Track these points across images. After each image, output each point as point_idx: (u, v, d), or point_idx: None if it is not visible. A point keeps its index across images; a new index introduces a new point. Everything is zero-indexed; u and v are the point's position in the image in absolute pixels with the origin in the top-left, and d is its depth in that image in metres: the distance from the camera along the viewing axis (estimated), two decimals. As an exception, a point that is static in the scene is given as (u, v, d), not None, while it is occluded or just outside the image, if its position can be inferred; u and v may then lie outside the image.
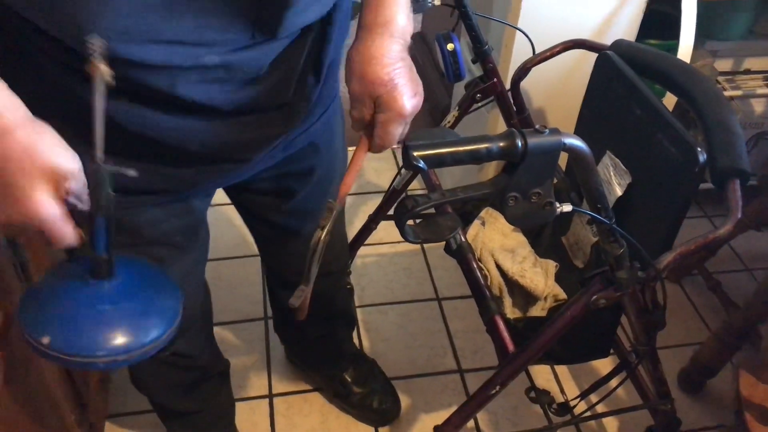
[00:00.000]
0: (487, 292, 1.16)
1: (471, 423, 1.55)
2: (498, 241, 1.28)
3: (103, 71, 0.63)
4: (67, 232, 0.66)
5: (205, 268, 1.13)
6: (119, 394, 1.52)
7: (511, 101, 1.35)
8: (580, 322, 0.99)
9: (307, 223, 1.14)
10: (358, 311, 1.75)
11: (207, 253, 1.10)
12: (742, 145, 0.92)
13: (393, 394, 1.56)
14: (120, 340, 0.68)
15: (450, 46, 1.25)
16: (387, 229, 1.80)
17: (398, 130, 0.82)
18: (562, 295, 1.18)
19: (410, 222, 0.77)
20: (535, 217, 0.76)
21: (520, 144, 0.70)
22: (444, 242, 1.28)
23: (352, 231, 1.59)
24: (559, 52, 1.26)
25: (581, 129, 1.24)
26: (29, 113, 0.64)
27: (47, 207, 0.64)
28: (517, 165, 0.72)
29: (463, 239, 1.23)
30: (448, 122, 1.38)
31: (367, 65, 0.79)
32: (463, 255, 1.22)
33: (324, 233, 0.82)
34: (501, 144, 0.71)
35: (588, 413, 1.37)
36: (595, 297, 0.95)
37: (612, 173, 1.13)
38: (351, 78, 0.81)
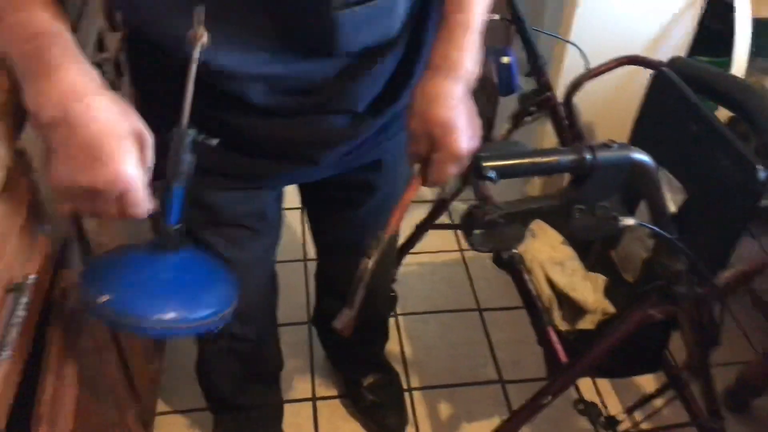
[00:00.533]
0: (539, 304, 1.17)
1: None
2: (547, 253, 1.29)
3: (202, 36, 0.68)
4: (145, 199, 0.66)
5: (274, 259, 1.19)
6: (168, 392, 1.56)
7: (563, 115, 1.37)
8: (632, 336, 0.99)
9: (363, 238, 1.15)
10: (400, 319, 1.77)
11: (277, 245, 1.16)
12: None
13: (401, 412, 1.57)
14: (172, 311, 0.70)
15: (505, 60, 1.27)
16: (428, 239, 1.81)
17: (453, 170, 0.82)
18: (611, 310, 1.18)
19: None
20: (600, 230, 0.78)
21: (588, 158, 0.72)
22: (491, 253, 1.29)
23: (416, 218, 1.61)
24: (613, 68, 1.27)
25: (635, 144, 1.24)
26: (102, 83, 0.67)
27: (135, 170, 0.64)
28: (585, 178, 0.73)
29: (515, 250, 1.25)
30: (500, 135, 1.40)
31: (428, 104, 0.80)
32: (514, 266, 1.23)
33: (371, 262, 0.83)
34: (570, 157, 0.72)
35: (633, 429, 1.37)
36: (651, 311, 0.95)
37: (666, 190, 1.13)
38: (412, 115, 0.82)
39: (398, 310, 1.76)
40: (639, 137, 1.24)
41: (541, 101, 1.35)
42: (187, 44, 0.69)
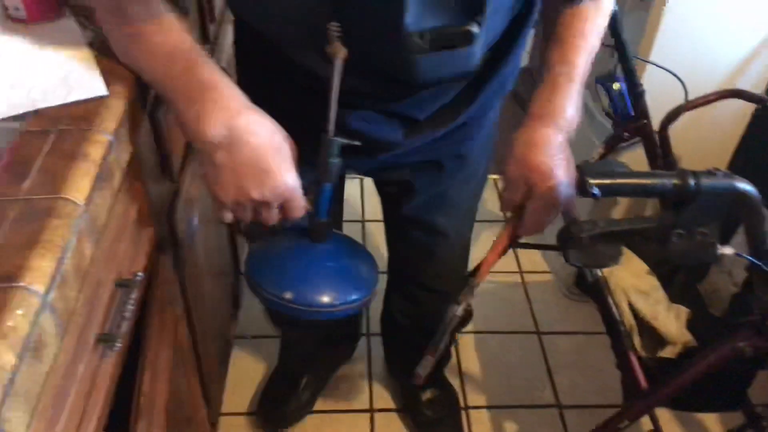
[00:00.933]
0: (621, 328, 1.17)
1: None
2: (631, 281, 1.30)
3: (341, 51, 0.73)
4: (302, 202, 0.76)
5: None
6: (232, 393, 1.60)
7: (657, 143, 1.38)
8: (717, 371, 0.98)
9: (425, 234, 1.21)
10: (458, 336, 1.78)
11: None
12: None
13: (458, 430, 1.57)
14: (336, 298, 0.82)
15: (616, 86, 1.30)
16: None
17: (548, 218, 0.82)
18: (693, 343, 1.18)
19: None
20: (697, 256, 0.78)
21: (692, 183, 0.73)
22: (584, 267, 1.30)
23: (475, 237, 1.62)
24: (713, 101, 1.26)
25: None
26: (248, 101, 0.73)
27: (295, 180, 0.74)
28: (686, 204, 0.74)
29: (600, 274, 1.25)
30: (593, 158, 1.42)
31: (528, 151, 0.80)
32: (599, 289, 1.23)
33: (460, 309, 0.85)
34: (674, 182, 0.74)
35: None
36: (741, 344, 0.94)
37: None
38: (510, 160, 0.82)
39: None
40: (739, 169, 1.23)
41: (637, 128, 1.36)
42: (327, 59, 0.74)
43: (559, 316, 1.86)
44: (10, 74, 0.78)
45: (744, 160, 1.21)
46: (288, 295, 0.80)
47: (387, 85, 0.87)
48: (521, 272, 1.98)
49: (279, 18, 0.78)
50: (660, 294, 1.26)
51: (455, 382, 1.66)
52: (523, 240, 1.08)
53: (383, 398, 1.64)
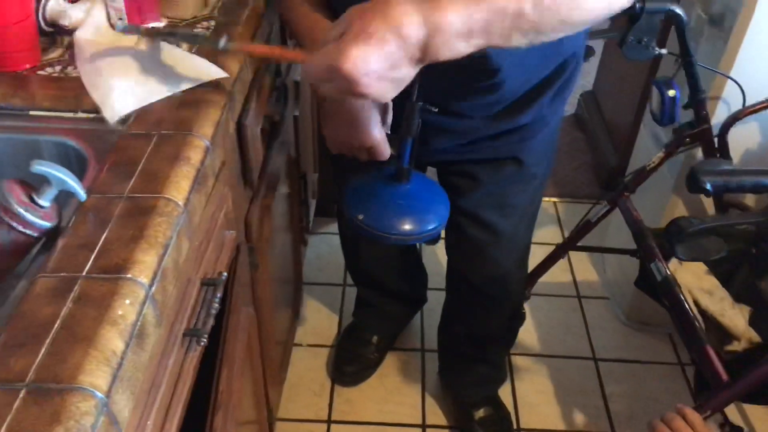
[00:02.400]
0: (697, 323, 1.16)
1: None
2: (692, 281, 1.30)
3: None
4: (387, 150, 0.95)
5: None
6: (287, 399, 1.62)
7: (716, 148, 1.39)
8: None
9: (479, 231, 1.26)
10: (513, 358, 1.77)
11: None
12: None
13: None
14: (408, 226, 0.98)
15: (671, 92, 1.31)
16: (546, 283, 1.81)
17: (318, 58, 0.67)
18: (757, 339, 1.18)
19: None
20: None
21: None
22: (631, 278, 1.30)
23: (533, 261, 1.63)
24: None
25: None
26: None
27: (380, 132, 0.94)
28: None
29: (668, 272, 1.25)
30: (653, 163, 1.43)
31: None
32: (669, 287, 1.24)
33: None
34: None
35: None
36: None
37: None
38: None
39: (512, 350, 1.76)
40: None
41: (697, 134, 1.37)
42: None
43: (617, 343, 1.83)
44: (142, 69, 0.84)
45: None
46: (360, 217, 0.98)
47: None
48: (579, 297, 1.97)
49: None
50: (723, 292, 1.25)
51: (509, 404, 1.65)
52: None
53: (436, 415, 1.64)
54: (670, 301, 1.25)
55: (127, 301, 0.57)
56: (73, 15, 0.91)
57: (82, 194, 0.65)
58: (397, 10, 0.65)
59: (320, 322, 1.85)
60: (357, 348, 1.71)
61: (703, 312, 1.23)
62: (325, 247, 2.05)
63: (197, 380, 0.83)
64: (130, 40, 0.88)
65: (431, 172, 1.23)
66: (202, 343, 0.75)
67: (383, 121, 0.94)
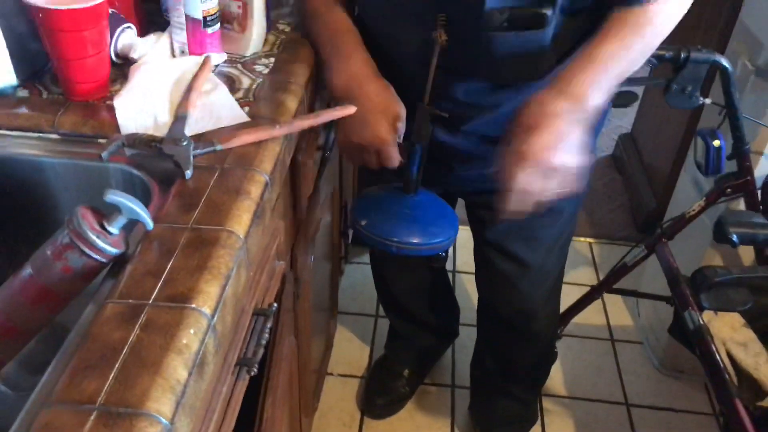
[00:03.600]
0: (726, 376, 1.15)
1: None
2: (728, 333, 1.29)
3: (442, 37, 0.90)
4: (395, 155, 0.95)
5: None
6: (317, 429, 1.63)
7: (759, 200, 1.38)
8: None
9: (507, 262, 1.26)
10: (544, 399, 1.76)
11: None
12: None
13: None
14: (411, 235, 0.99)
15: (716, 143, 1.33)
16: (579, 324, 1.81)
17: (517, 171, 0.82)
18: None
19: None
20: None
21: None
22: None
23: (567, 301, 1.63)
24: None
25: None
26: (377, 71, 0.97)
27: (387, 134, 0.94)
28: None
29: (701, 322, 1.24)
30: (693, 210, 1.44)
31: (527, 109, 0.85)
32: (702, 336, 1.23)
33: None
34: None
35: None
36: None
37: None
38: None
39: (542, 390, 1.75)
40: None
41: (739, 185, 1.38)
42: (431, 43, 0.91)
43: (650, 389, 1.81)
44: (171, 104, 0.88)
45: None
46: (363, 222, 1.00)
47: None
48: (612, 340, 1.95)
49: (393, 13, 0.98)
50: (759, 346, 1.24)
51: (539, 447, 1.64)
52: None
53: (464, 453, 1.64)
54: (701, 351, 1.24)
55: (192, 331, 0.59)
56: (141, 48, 0.96)
57: (150, 223, 0.68)
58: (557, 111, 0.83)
59: (352, 351, 1.86)
60: (388, 380, 1.72)
61: (736, 365, 1.22)
62: (360, 277, 2.07)
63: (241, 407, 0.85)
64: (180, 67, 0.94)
65: (461, 208, 1.26)
66: (253, 372, 0.77)
67: (393, 129, 0.95)
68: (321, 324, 1.54)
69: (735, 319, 1.30)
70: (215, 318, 0.63)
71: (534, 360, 1.51)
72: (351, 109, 0.90)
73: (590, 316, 1.83)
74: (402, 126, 0.97)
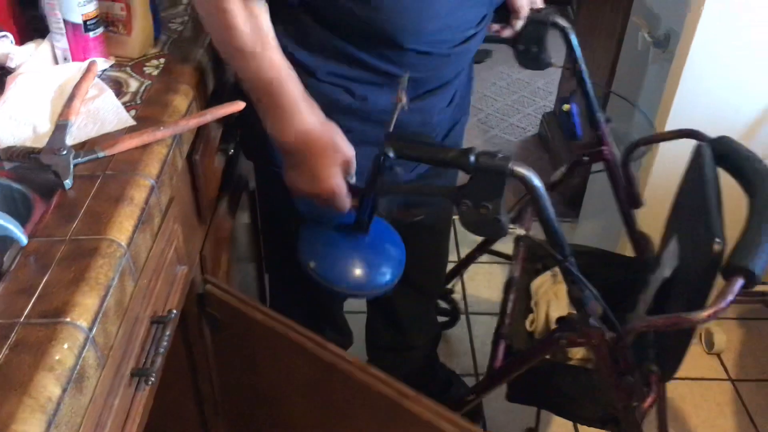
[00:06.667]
0: (507, 319, 1.28)
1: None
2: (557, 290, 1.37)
3: (403, 100, 0.93)
4: (347, 203, 0.96)
5: None
6: None
7: (619, 174, 1.38)
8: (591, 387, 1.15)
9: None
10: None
11: None
12: (764, 251, 0.90)
13: None
14: (362, 278, 0.98)
15: (566, 107, 1.33)
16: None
17: None
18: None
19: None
20: (485, 229, 0.88)
21: (472, 160, 0.83)
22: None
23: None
24: (670, 138, 1.30)
25: (671, 213, 1.29)
26: (323, 116, 0.94)
27: (340, 187, 0.94)
28: (471, 178, 0.85)
29: (515, 275, 1.37)
30: (557, 177, 1.45)
31: None
32: (507, 287, 1.36)
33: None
34: (458, 156, 0.84)
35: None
36: (558, 335, 1.06)
37: (669, 256, 1.17)
38: None
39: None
40: (674, 205, 1.27)
41: (595, 153, 1.36)
42: (391, 104, 0.94)
43: None
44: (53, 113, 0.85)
45: (680, 193, 1.25)
46: (312, 264, 0.99)
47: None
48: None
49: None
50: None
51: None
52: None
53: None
54: (504, 297, 1.34)
55: (66, 346, 0.57)
56: (18, 56, 0.92)
57: (23, 239, 0.66)
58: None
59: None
60: None
61: (550, 325, 1.32)
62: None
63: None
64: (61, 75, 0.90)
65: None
66: (150, 383, 0.75)
67: (346, 173, 0.95)
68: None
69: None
70: (94, 330, 0.61)
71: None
72: (239, 105, 0.87)
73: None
74: (352, 167, 0.96)
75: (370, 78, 1.00)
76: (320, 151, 0.93)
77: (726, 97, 1.47)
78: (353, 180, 0.97)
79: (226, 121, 1.14)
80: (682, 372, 1.73)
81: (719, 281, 0.93)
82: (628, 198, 1.40)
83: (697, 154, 1.17)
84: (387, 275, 1.00)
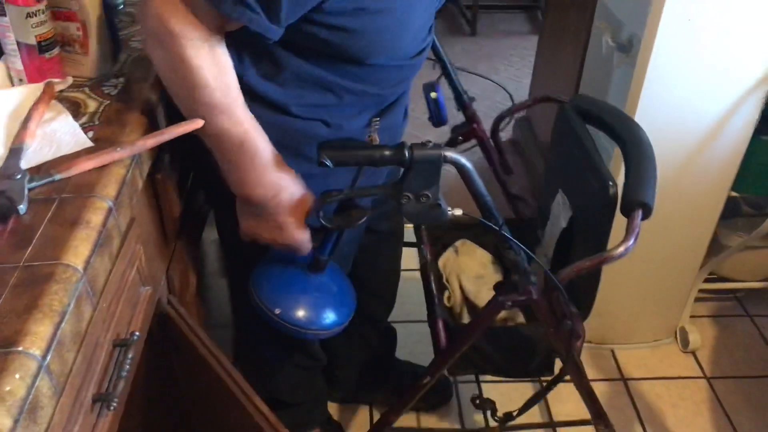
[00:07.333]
0: (436, 299, 1.31)
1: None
2: (474, 270, 1.43)
3: (375, 141, 0.97)
4: (308, 247, 0.97)
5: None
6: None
7: (491, 147, 1.51)
8: (524, 341, 1.22)
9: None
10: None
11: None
12: (651, 182, 0.98)
13: None
14: (327, 319, 0.99)
15: (433, 95, 1.42)
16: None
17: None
18: (520, 319, 1.32)
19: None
20: (427, 216, 0.90)
21: (407, 154, 0.85)
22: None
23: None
24: (530, 106, 1.46)
25: (548, 171, 1.36)
26: (284, 164, 0.92)
27: (302, 235, 0.95)
28: (408, 171, 0.87)
29: (428, 257, 1.40)
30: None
31: None
32: (425, 270, 1.39)
33: None
34: (393, 153, 0.86)
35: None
36: (502, 298, 1.09)
37: (561, 209, 1.23)
38: None
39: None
40: (549, 164, 1.35)
41: (468, 132, 1.49)
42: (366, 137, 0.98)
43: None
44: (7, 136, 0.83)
45: (552, 154, 1.34)
46: (277, 311, 0.97)
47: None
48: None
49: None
50: (492, 279, 1.39)
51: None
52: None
53: None
54: (423, 281, 1.37)
55: (17, 376, 0.56)
56: (-27, 80, 0.91)
57: (-27, 267, 0.64)
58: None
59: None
60: None
61: (465, 293, 1.37)
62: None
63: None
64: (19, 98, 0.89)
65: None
66: (112, 407, 0.74)
67: (308, 216, 0.94)
68: (225, 338, 1.51)
69: (483, 255, 1.46)
70: (48, 358, 0.60)
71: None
72: (197, 123, 0.86)
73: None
74: (315, 211, 0.95)
75: (341, 101, 0.97)
76: (292, 207, 0.93)
77: (689, 98, 1.48)
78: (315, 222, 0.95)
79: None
80: (658, 371, 1.83)
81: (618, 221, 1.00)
82: (502, 166, 1.57)
83: (563, 116, 1.24)
84: (346, 314, 1.02)
